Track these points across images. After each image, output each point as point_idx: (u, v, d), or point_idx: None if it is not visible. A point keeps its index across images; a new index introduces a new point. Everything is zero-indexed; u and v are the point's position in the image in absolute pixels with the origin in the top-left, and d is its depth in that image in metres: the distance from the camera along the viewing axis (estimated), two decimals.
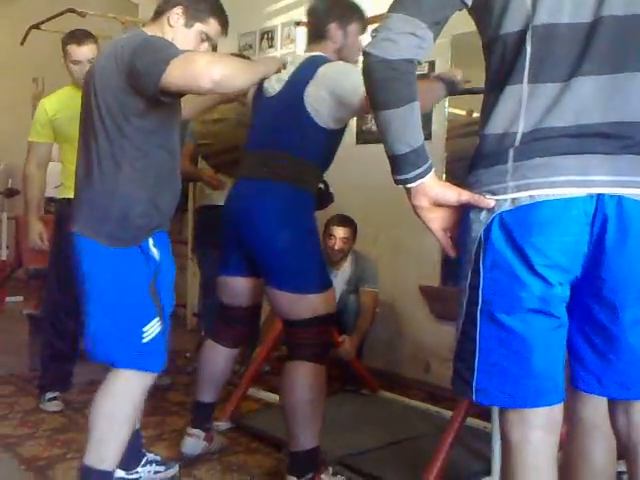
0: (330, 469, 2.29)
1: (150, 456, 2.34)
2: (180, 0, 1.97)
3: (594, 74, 1.18)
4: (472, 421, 2.52)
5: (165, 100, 1.84)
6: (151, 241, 1.95)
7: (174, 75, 1.74)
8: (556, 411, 1.28)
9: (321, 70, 2.15)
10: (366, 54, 1.23)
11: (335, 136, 2.24)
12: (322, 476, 2.23)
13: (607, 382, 1.26)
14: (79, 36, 3.01)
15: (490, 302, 1.23)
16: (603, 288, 1.22)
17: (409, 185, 1.27)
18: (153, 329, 1.92)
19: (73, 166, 2.99)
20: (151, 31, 1.95)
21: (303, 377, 2.17)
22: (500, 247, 1.21)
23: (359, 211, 3.54)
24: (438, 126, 3.49)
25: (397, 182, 1.28)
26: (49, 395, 3.11)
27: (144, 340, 1.91)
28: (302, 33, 3.36)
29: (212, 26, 2.02)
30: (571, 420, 1.45)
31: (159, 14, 1.99)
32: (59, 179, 3.18)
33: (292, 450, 2.22)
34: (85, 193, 1.96)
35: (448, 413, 2.66)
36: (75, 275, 1.99)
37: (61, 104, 3.07)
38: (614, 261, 1.19)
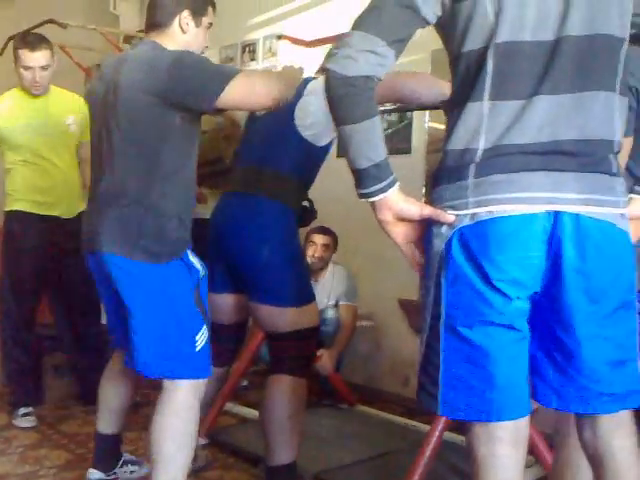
0: None
1: (126, 456, 2.39)
2: (183, 4, 1.98)
3: (556, 93, 1.20)
4: (450, 435, 2.51)
5: (211, 115, 1.92)
6: (189, 251, 1.96)
7: (235, 93, 1.82)
8: (522, 425, 1.28)
9: (309, 86, 2.15)
10: (327, 70, 1.25)
11: (322, 152, 2.24)
12: None
13: (567, 396, 1.27)
14: (32, 41, 2.87)
15: (452, 316, 1.25)
16: (560, 304, 1.23)
17: (372, 199, 1.29)
18: (203, 337, 1.94)
19: (27, 173, 2.96)
20: (163, 42, 1.95)
21: (282, 391, 2.17)
22: (460, 262, 1.22)
23: (339, 224, 3.53)
24: (418, 140, 3.50)
25: (360, 196, 1.30)
26: (22, 410, 3.05)
27: (197, 349, 1.92)
28: (284, 46, 3.36)
29: (210, 13, 2.06)
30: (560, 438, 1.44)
31: (163, 25, 1.98)
32: None
33: (270, 465, 2.19)
34: (113, 212, 1.91)
35: (426, 427, 2.64)
36: (84, 292, 2.15)
37: (10, 111, 2.95)
38: (570, 278, 1.21)
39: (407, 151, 3.57)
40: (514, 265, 1.21)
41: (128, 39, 5.40)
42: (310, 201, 2.38)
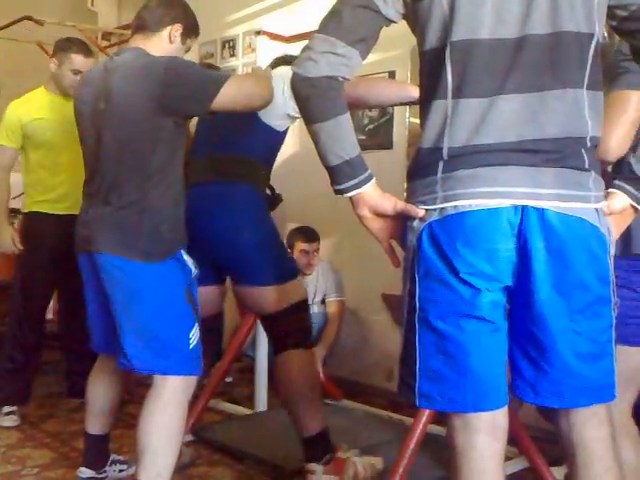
0: (344, 445, 2.35)
1: (114, 456, 2.42)
2: (179, 17, 2.08)
3: (520, 92, 1.22)
4: (434, 428, 2.53)
5: (205, 117, 2.06)
6: (183, 251, 2.01)
7: (229, 95, 1.92)
8: (499, 416, 1.30)
9: (277, 70, 2.23)
10: (292, 73, 1.30)
11: (281, 137, 2.30)
12: (339, 454, 2.28)
13: (541, 391, 1.29)
14: (85, 48, 3.06)
15: (425, 309, 1.27)
16: (531, 298, 1.24)
17: (346, 195, 1.32)
18: (195, 334, 1.99)
19: (49, 174, 3.02)
20: (147, 47, 2.02)
21: (295, 365, 2.25)
22: (430, 255, 1.25)
23: (322, 219, 3.54)
24: (399, 135, 3.51)
25: (335, 192, 1.34)
26: (6, 409, 3.04)
27: (190, 347, 1.97)
28: (263, 42, 3.36)
29: (194, 41, 2.18)
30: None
31: (153, 30, 2.05)
32: (17, 190, 3.12)
33: (305, 437, 2.26)
34: (108, 212, 1.98)
35: (410, 420, 2.66)
36: (79, 292, 2.11)
37: (38, 109, 3.02)
38: (539, 272, 1.22)
39: (389, 146, 3.58)
40: (481, 258, 1.22)
41: (106, 36, 5.37)
42: (271, 187, 2.41)
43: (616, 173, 1.36)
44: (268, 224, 2.31)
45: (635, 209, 1.33)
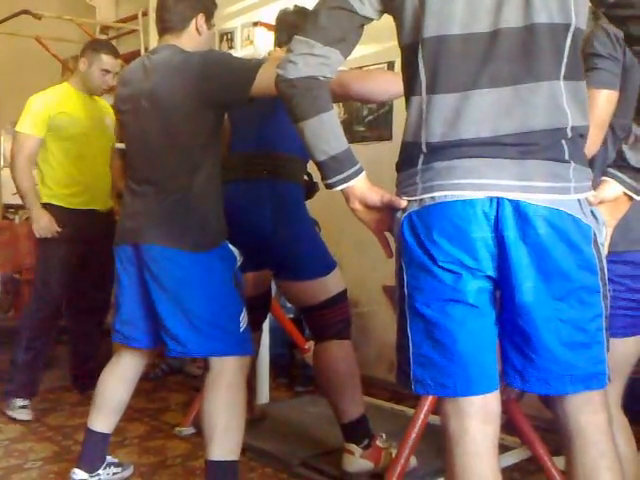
0: (383, 435, 2.41)
1: (109, 459, 2.35)
2: (199, 6, 2.13)
3: (494, 86, 1.23)
4: (436, 418, 2.53)
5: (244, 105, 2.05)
6: (227, 241, 2.09)
7: (266, 80, 1.86)
8: (490, 399, 1.31)
9: None
10: (276, 74, 1.35)
11: None
12: (377, 442, 2.36)
13: (529, 378, 1.30)
14: (114, 49, 3.22)
15: (413, 296, 1.30)
16: (513, 289, 1.26)
17: (335, 189, 1.36)
18: (245, 318, 2.08)
19: (69, 168, 3.12)
20: (183, 44, 2.08)
21: (335, 355, 2.32)
22: (412, 245, 1.28)
23: (323, 211, 3.51)
24: (399, 126, 3.47)
25: (325, 186, 1.38)
26: (19, 402, 3.04)
27: (241, 329, 2.06)
28: (261, 34, 3.35)
29: (215, 15, 2.22)
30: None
31: (180, 29, 2.11)
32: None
33: (344, 422, 2.34)
34: (155, 205, 2.05)
35: (412, 411, 2.67)
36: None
37: (64, 104, 3.10)
38: (517, 263, 1.24)
39: (388, 137, 3.59)
40: (457, 248, 1.24)
41: (105, 30, 5.36)
42: (309, 174, 2.44)
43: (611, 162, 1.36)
44: (304, 218, 2.36)
45: (629, 197, 1.33)
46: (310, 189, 2.47)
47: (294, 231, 2.28)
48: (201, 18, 2.13)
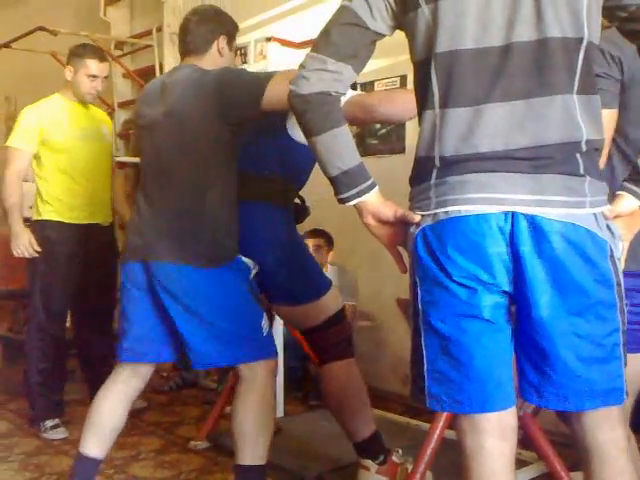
0: (400, 451, 2.40)
1: None
2: (220, 28, 2.15)
3: (507, 100, 1.22)
4: (452, 433, 2.51)
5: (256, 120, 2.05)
6: (239, 255, 2.09)
7: (276, 92, 1.87)
8: (507, 416, 1.30)
9: None
10: (289, 90, 1.36)
11: (307, 150, 2.23)
12: (393, 458, 2.34)
13: (545, 394, 1.29)
14: (100, 53, 3.10)
15: (427, 312, 1.30)
16: (529, 304, 1.24)
17: (348, 204, 1.36)
18: (266, 323, 2.11)
19: (66, 182, 3.03)
20: (205, 66, 2.10)
21: (341, 376, 2.29)
22: (426, 260, 1.28)
23: (335, 224, 3.53)
24: (412, 139, 3.51)
25: (338, 201, 1.37)
26: (49, 423, 2.99)
27: (264, 334, 2.09)
28: (274, 48, 3.37)
29: (236, 37, 2.24)
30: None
31: (202, 51, 2.13)
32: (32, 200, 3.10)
33: (357, 442, 2.31)
34: (170, 224, 2.04)
35: (427, 426, 2.64)
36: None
37: (56, 115, 3.02)
38: (533, 278, 1.23)
39: (401, 150, 3.59)
40: (472, 263, 1.23)
41: (119, 45, 5.41)
42: (301, 198, 2.38)
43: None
44: (294, 242, 2.27)
45: None
46: (300, 213, 2.39)
47: (280, 255, 2.17)
48: (223, 40, 2.15)
